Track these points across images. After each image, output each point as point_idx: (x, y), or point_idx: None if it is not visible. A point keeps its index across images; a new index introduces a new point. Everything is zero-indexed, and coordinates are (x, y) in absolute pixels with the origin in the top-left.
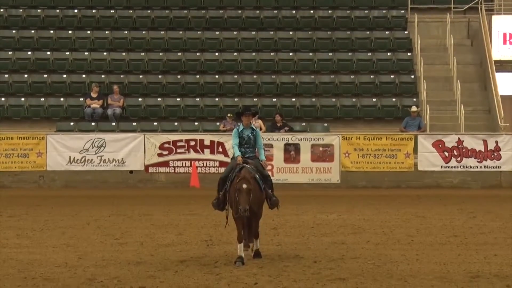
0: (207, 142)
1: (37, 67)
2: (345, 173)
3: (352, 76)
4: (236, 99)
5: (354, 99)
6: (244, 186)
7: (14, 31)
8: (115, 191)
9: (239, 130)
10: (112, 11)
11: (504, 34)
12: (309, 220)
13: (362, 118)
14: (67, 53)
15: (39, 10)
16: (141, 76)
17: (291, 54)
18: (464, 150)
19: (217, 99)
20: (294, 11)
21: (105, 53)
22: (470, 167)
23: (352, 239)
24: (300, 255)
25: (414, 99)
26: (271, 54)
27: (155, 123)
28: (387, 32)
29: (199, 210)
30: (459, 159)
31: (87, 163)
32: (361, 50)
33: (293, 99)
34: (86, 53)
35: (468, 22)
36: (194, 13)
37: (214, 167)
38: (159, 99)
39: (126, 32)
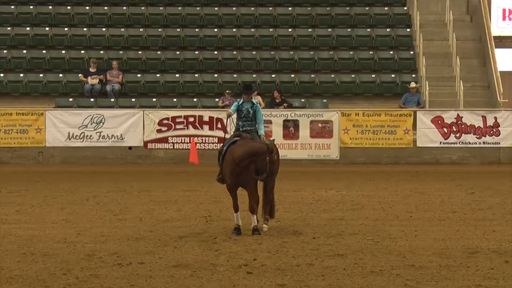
0: (206, 118)
1: (36, 43)
2: (344, 149)
3: (351, 52)
4: (235, 75)
5: (353, 75)
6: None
7: (12, 7)
8: (114, 167)
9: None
10: None
11: (504, 10)
12: (308, 196)
13: (361, 94)
14: (66, 28)
15: None
16: (140, 52)
17: (290, 30)
18: (463, 126)
19: (216, 75)
20: None
21: (103, 29)
22: (469, 143)
23: (351, 215)
24: (299, 231)
25: (413, 75)
26: (270, 30)
27: (154, 99)
28: (386, 8)
29: (198, 186)
30: (458, 135)
31: (86, 139)
32: (360, 26)
33: (292, 75)
34: (85, 29)
35: None
36: None
37: (213, 143)
38: (158, 75)
39: (125, 7)
